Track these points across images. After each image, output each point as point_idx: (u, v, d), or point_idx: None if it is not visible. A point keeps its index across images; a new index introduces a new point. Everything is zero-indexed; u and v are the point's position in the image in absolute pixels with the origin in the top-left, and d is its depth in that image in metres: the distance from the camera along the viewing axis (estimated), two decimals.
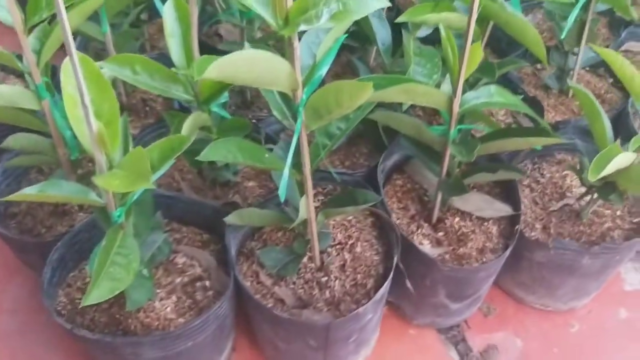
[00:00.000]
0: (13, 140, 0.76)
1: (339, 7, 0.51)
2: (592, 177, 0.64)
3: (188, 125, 0.72)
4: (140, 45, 1.10)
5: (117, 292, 0.58)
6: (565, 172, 0.91)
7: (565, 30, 0.88)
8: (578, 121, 0.94)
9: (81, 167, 0.88)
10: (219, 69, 0.49)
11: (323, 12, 0.51)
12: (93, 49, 1.09)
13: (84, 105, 0.51)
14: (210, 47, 1.07)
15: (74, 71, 0.49)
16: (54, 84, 0.74)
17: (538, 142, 0.71)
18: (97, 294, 0.57)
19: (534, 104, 0.97)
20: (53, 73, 0.78)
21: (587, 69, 1.11)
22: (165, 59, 0.76)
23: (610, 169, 0.66)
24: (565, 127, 0.94)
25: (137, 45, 1.04)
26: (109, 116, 0.58)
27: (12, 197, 0.58)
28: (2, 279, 0.97)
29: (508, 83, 1.01)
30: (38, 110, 0.74)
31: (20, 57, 0.70)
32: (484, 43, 0.86)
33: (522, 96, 0.95)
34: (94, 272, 0.58)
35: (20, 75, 1.11)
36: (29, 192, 0.58)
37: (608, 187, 0.77)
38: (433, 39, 0.85)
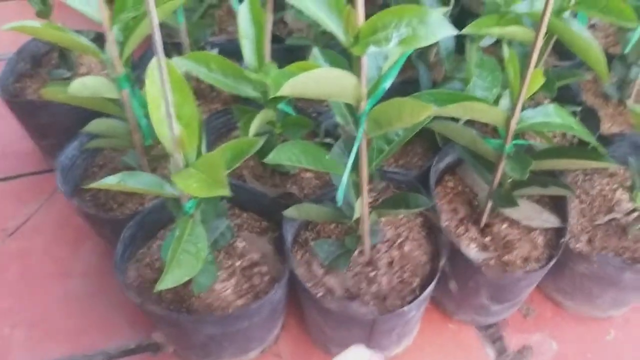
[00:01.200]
0: (94, 126, 0.83)
1: (408, 33, 0.54)
2: (639, 202, 0.67)
3: (256, 124, 0.77)
4: (212, 34, 1.15)
5: (187, 278, 0.64)
6: (616, 185, 0.93)
7: (629, 45, 0.88)
8: (634, 135, 0.95)
9: (152, 149, 0.95)
10: (292, 87, 0.53)
11: (393, 36, 0.54)
12: (165, 33, 1.14)
13: (168, 114, 0.56)
14: (276, 36, 1.11)
15: (161, 80, 0.53)
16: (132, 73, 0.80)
17: (589, 165, 0.73)
18: (170, 279, 0.63)
19: (591, 115, 0.98)
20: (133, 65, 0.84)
21: None
22: (233, 45, 0.79)
23: None
24: (621, 140, 0.95)
25: (209, 33, 1.09)
26: (189, 118, 0.63)
27: (94, 185, 0.64)
28: (74, 244, 1.05)
29: (567, 90, 1.02)
30: (116, 98, 0.80)
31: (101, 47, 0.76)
32: (547, 54, 0.87)
33: (580, 108, 0.97)
34: (168, 259, 0.64)
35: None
36: (109, 182, 0.63)
37: None
38: (495, 49, 0.87)
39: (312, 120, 0.96)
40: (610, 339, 0.95)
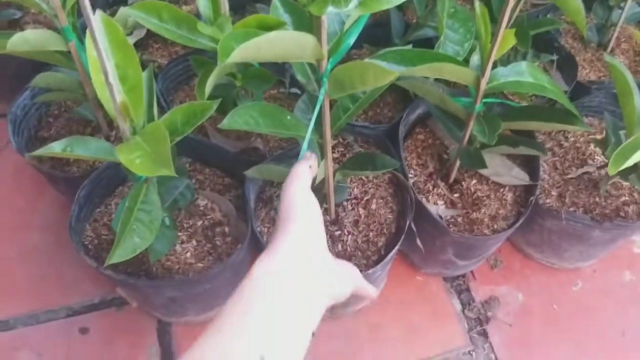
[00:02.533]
0: (41, 79, 0.77)
1: None
2: (611, 171, 0.64)
3: (212, 81, 0.72)
4: None
5: (139, 251, 0.62)
6: (591, 136, 0.90)
7: None
8: (611, 84, 0.91)
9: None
10: (242, 53, 0.48)
11: None
12: None
13: (108, 83, 0.51)
14: None
15: (92, 38, 0.48)
16: (80, 25, 0.74)
17: (563, 128, 0.70)
18: (120, 253, 0.61)
19: (568, 61, 0.94)
20: (79, 14, 0.77)
21: (632, 24, 1.05)
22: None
23: (632, 161, 0.65)
24: (599, 89, 0.91)
25: None
26: (134, 81, 0.58)
27: (37, 153, 0.60)
28: (31, 197, 1.02)
29: (544, 33, 0.97)
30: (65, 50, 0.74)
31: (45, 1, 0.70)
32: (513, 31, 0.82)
33: (556, 57, 0.93)
34: (118, 231, 0.61)
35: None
36: (54, 150, 0.60)
37: (630, 169, 0.76)
38: None
39: (278, 69, 0.92)
40: (577, 289, 0.95)
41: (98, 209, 0.82)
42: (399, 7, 0.96)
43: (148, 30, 1.02)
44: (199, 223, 0.80)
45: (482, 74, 0.65)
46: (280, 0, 0.76)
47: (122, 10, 0.83)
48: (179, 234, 0.78)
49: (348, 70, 0.56)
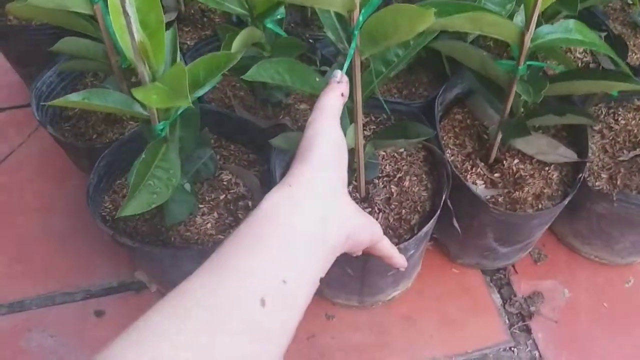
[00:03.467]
0: (63, 44, 0.75)
1: None
2: None
3: (239, 41, 0.69)
4: None
5: (154, 206, 0.58)
6: None
7: None
8: None
9: (135, 75, 0.88)
10: None
11: None
12: None
13: (125, 12, 0.49)
14: None
15: None
16: None
17: (614, 87, 0.64)
18: (134, 206, 0.57)
19: (618, 43, 0.88)
20: None
21: None
22: None
23: None
24: None
25: None
26: (155, 27, 0.55)
27: (55, 102, 0.57)
28: (57, 181, 1.00)
29: (592, 18, 0.92)
30: (90, 15, 0.72)
31: None
32: None
33: (605, 34, 0.88)
34: (132, 184, 0.58)
35: None
36: (73, 99, 0.57)
37: None
38: None
39: (308, 44, 0.88)
40: (629, 286, 0.87)
41: (118, 181, 0.79)
42: None
43: (179, 14, 1.02)
44: (222, 197, 0.76)
45: (527, 28, 0.60)
46: None
47: None
48: (200, 206, 0.74)
49: (380, 18, 0.53)
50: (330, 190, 0.45)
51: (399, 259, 0.56)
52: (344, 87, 0.52)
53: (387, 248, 0.54)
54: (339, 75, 0.53)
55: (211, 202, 0.75)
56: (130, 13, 0.49)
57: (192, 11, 1.01)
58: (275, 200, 0.41)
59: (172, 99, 0.50)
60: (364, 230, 0.48)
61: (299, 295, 0.39)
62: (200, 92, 0.60)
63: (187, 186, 0.69)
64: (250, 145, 0.82)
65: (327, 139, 0.47)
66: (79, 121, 0.87)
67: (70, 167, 0.97)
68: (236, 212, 0.75)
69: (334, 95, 0.51)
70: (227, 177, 0.78)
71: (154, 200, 0.59)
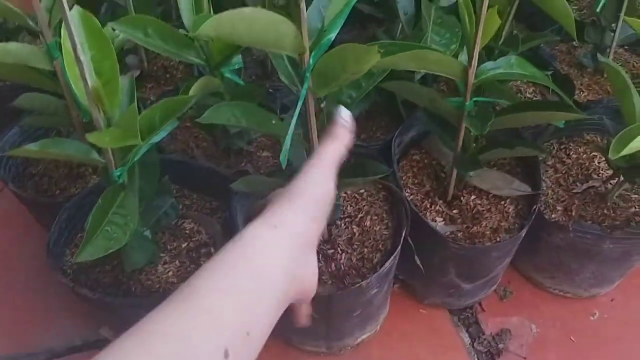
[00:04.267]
0: (25, 100, 0.76)
1: None
2: (612, 155, 0.61)
3: (197, 88, 0.70)
4: (164, 11, 1.09)
5: (111, 251, 0.58)
6: (593, 154, 0.87)
7: (600, 3, 0.83)
8: (610, 101, 0.89)
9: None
10: (215, 26, 0.47)
11: None
12: (119, 15, 1.08)
13: (77, 59, 0.50)
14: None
15: (65, 23, 0.48)
16: None
17: (557, 117, 0.67)
18: (90, 251, 0.57)
19: (565, 81, 0.91)
20: None
21: (626, 47, 1.05)
22: None
23: (632, 147, 0.61)
24: (596, 106, 0.89)
25: (159, 11, 1.03)
26: (110, 75, 0.57)
27: (14, 152, 0.58)
28: (20, 239, 0.99)
29: (540, 60, 0.97)
30: (51, 71, 0.74)
31: (33, 17, 0.70)
32: (512, 13, 0.82)
33: (551, 72, 0.91)
34: (89, 229, 0.58)
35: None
36: (31, 148, 0.58)
37: (635, 170, 0.73)
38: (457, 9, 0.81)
39: (268, 94, 0.91)
40: (595, 319, 0.88)
41: (80, 234, 0.78)
42: (390, 33, 0.96)
43: (141, 71, 1.04)
44: (184, 245, 0.76)
45: (469, 64, 0.63)
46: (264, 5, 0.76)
47: (108, 25, 0.83)
48: (162, 254, 0.74)
49: (328, 59, 0.55)
50: (309, 244, 0.45)
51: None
52: (349, 137, 0.52)
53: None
54: (346, 115, 0.53)
55: (173, 251, 0.75)
56: (83, 60, 0.51)
57: (155, 68, 1.03)
58: (257, 236, 0.41)
59: (124, 138, 0.51)
60: (313, 290, 0.47)
61: (258, 344, 0.39)
62: (157, 137, 0.61)
63: (148, 233, 0.69)
64: (212, 193, 0.83)
65: (322, 191, 0.47)
66: (42, 178, 0.88)
67: (33, 224, 0.96)
68: (198, 259, 0.75)
69: (339, 147, 0.51)
70: (189, 225, 0.79)
71: (111, 245, 0.59)
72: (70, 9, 0.54)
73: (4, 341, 0.86)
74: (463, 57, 0.69)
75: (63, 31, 0.57)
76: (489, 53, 0.80)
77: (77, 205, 0.77)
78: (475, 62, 0.63)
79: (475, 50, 0.62)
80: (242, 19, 0.48)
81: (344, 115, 0.52)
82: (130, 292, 0.70)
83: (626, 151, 0.61)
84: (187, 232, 0.78)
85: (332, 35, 0.57)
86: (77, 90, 0.57)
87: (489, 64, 0.66)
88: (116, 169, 0.61)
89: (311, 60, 0.56)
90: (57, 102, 0.79)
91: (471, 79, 0.64)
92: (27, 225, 0.98)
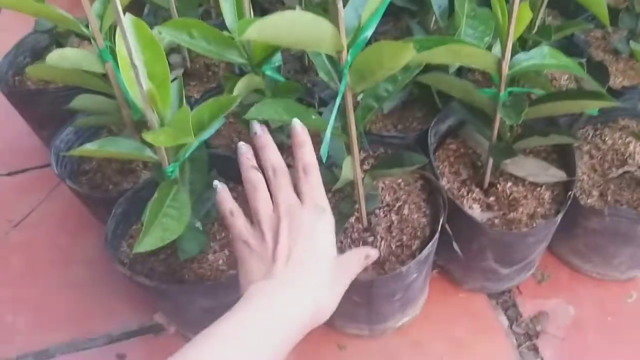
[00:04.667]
0: (78, 102, 0.81)
1: None
2: None
3: (240, 86, 0.74)
4: (205, 11, 1.13)
5: (167, 241, 0.62)
6: (628, 139, 0.88)
7: None
8: None
9: (148, 128, 0.94)
10: (259, 30, 0.50)
11: None
12: (162, 16, 1.13)
13: (133, 65, 0.54)
14: (269, 11, 1.09)
15: (121, 31, 0.52)
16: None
17: (590, 105, 0.69)
18: (148, 241, 0.62)
19: (599, 68, 0.93)
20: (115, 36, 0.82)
21: None
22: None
23: None
24: (632, 92, 0.90)
25: (200, 12, 1.08)
26: (162, 78, 0.61)
27: (73, 152, 0.63)
28: (76, 233, 1.05)
29: (573, 47, 0.97)
30: (102, 72, 0.78)
31: (85, 23, 0.75)
32: (545, 3, 0.83)
33: (584, 59, 0.93)
34: (146, 221, 0.63)
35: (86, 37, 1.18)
36: (89, 148, 0.62)
37: None
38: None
39: (306, 89, 0.94)
40: (632, 301, 0.89)
41: (134, 226, 0.83)
42: (424, 24, 0.98)
43: (185, 69, 1.08)
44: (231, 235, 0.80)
45: (503, 56, 0.65)
46: (303, 5, 0.79)
47: (155, 29, 0.88)
48: (212, 244, 0.79)
49: (365, 56, 0.58)
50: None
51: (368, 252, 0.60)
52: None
53: (361, 258, 0.59)
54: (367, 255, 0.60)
55: (222, 240, 0.79)
56: (138, 65, 0.55)
57: (198, 66, 1.07)
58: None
59: (178, 137, 0.55)
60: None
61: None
62: (206, 134, 0.65)
63: (199, 224, 0.74)
64: None
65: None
66: (95, 174, 0.93)
67: (88, 219, 1.01)
68: None
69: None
70: None
71: (167, 236, 0.63)
72: None
73: (64, 329, 0.91)
74: (497, 49, 0.71)
75: (118, 38, 0.61)
76: (522, 43, 0.82)
77: (130, 200, 0.82)
78: (508, 54, 0.65)
79: (509, 43, 0.64)
80: (284, 22, 0.52)
81: (297, 125, 0.60)
82: (183, 279, 0.75)
83: None
84: None
85: (369, 33, 0.60)
86: (132, 93, 0.61)
87: (522, 56, 0.68)
88: (169, 165, 0.66)
89: (349, 58, 0.59)
90: (108, 103, 0.84)
91: (505, 70, 0.66)
92: (82, 220, 1.04)
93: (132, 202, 0.82)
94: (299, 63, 1.06)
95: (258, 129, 0.61)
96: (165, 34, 0.75)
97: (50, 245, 1.04)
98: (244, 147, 0.60)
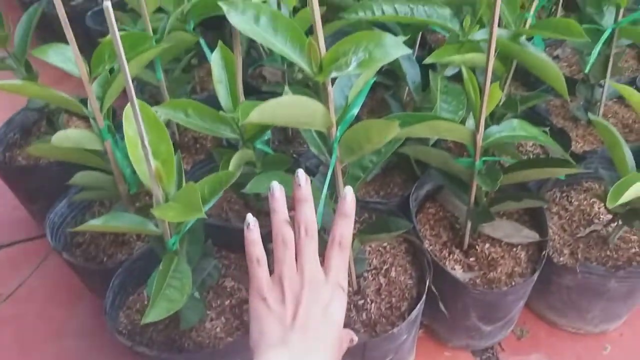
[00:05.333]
0: (80, 178, 0.85)
1: (365, 56, 0.57)
2: (610, 204, 0.68)
3: (235, 162, 0.79)
4: (191, 87, 1.19)
5: (172, 312, 0.65)
6: (593, 200, 0.95)
7: (588, 65, 0.92)
8: (605, 151, 0.98)
9: (139, 201, 0.97)
10: (260, 113, 0.55)
11: (352, 60, 0.57)
12: (148, 92, 1.18)
13: (144, 146, 0.59)
14: (255, 88, 1.15)
15: (134, 117, 0.56)
16: (114, 125, 0.83)
17: (559, 172, 0.75)
18: (155, 313, 0.64)
19: (561, 135, 1.01)
20: (113, 115, 0.87)
21: (615, 99, 1.14)
22: (213, 100, 0.83)
23: (628, 196, 0.69)
24: (592, 156, 0.98)
25: (188, 88, 1.14)
26: (166, 155, 0.65)
27: (79, 228, 0.66)
28: (69, 304, 1.06)
29: (536, 115, 1.06)
30: (100, 150, 0.83)
31: (84, 102, 0.79)
32: (510, 78, 0.91)
33: (547, 128, 1.01)
34: (152, 294, 0.66)
35: (82, 116, 1.23)
36: (95, 224, 0.65)
37: (632, 214, 0.80)
38: (461, 76, 0.91)
39: (293, 164, 0.99)
40: (607, 353, 0.94)
41: (131, 297, 0.86)
42: (401, 104, 1.05)
43: (174, 142, 1.13)
44: (227, 302, 0.83)
45: (477, 130, 0.72)
46: (292, 85, 0.85)
47: (153, 109, 0.93)
48: (208, 312, 0.81)
49: (354, 132, 0.63)
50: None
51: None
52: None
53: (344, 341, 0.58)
54: (351, 194, 0.58)
55: (217, 308, 0.82)
56: (148, 146, 0.59)
57: (186, 139, 1.12)
58: None
59: (188, 212, 0.59)
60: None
61: None
62: (206, 207, 0.69)
63: (196, 294, 0.77)
64: None
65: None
66: (89, 246, 0.95)
67: (80, 291, 1.03)
68: (241, 315, 0.82)
69: (351, 222, 0.57)
70: (229, 283, 0.86)
71: (172, 307, 0.66)
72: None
73: None
74: (470, 122, 0.78)
75: (125, 119, 0.66)
76: (490, 115, 0.89)
77: (127, 271, 0.84)
78: (482, 128, 0.72)
79: (481, 118, 0.71)
80: (281, 106, 0.57)
81: (349, 195, 0.58)
82: (183, 348, 0.77)
83: (623, 200, 0.69)
84: (229, 290, 0.85)
85: (355, 111, 0.66)
86: (138, 170, 0.65)
87: (494, 128, 0.74)
88: (170, 237, 0.70)
89: (338, 133, 0.64)
90: (105, 178, 0.88)
91: (479, 142, 0.73)
92: (74, 291, 1.06)
93: (128, 273, 0.85)
94: (283, 134, 1.12)
95: (303, 180, 0.57)
96: (161, 113, 0.80)
97: (41, 318, 1.05)
98: (277, 192, 0.59)
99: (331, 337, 0.52)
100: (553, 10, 1.20)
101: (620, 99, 1.14)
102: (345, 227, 0.56)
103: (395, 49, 0.56)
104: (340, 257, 0.55)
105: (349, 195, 0.57)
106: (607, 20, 0.94)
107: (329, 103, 0.61)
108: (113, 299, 0.82)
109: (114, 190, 0.89)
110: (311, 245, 0.55)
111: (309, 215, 0.56)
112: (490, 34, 0.64)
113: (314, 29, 0.55)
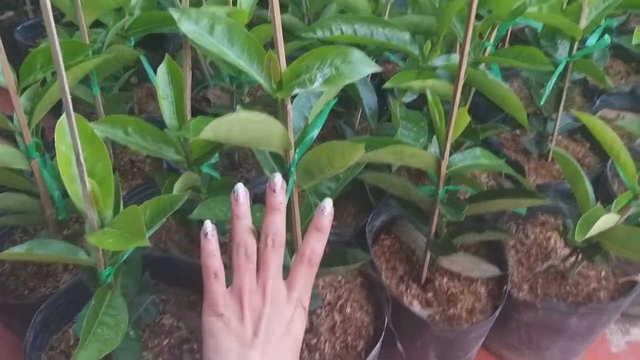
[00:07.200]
0: (0, 200, 0.76)
1: (332, 72, 0.52)
2: (578, 238, 0.66)
3: (179, 185, 0.72)
4: (129, 108, 1.11)
5: (105, 354, 0.57)
6: (549, 234, 0.93)
7: (544, 97, 0.91)
8: (559, 184, 0.97)
9: (67, 228, 0.88)
10: (214, 130, 0.49)
11: (317, 77, 0.52)
12: (81, 111, 1.09)
13: (79, 163, 0.51)
14: (199, 110, 1.09)
15: (70, 130, 0.49)
16: (43, 145, 0.75)
17: (525, 204, 0.73)
18: (85, 355, 0.56)
19: (516, 167, 0.99)
20: (42, 135, 0.79)
21: (565, 134, 1.15)
22: (154, 122, 0.76)
23: (595, 229, 0.67)
24: (546, 190, 0.96)
25: (127, 108, 1.06)
26: (102, 175, 0.58)
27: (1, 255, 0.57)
28: None
29: (489, 147, 1.04)
30: (26, 170, 0.74)
31: (11, 117, 0.71)
32: (467, 107, 0.89)
33: (503, 159, 0.99)
34: (82, 333, 0.57)
35: (6, 135, 1.12)
36: (17, 251, 0.57)
37: (592, 249, 0.78)
38: (416, 105, 0.88)
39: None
40: None
41: (55, 336, 0.76)
42: (354, 130, 1.01)
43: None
44: (165, 342, 0.75)
45: (442, 157, 0.68)
46: (243, 107, 0.79)
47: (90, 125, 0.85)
48: (144, 353, 0.73)
49: (315, 154, 0.58)
50: None
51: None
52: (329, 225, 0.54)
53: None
54: (330, 207, 0.53)
55: (155, 349, 0.74)
56: (83, 163, 0.52)
57: (122, 162, 1.04)
58: None
59: (129, 240, 0.51)
60: None
61: None
62: (148, 235, 0.62)
63: (132, 333, 0.69)
64: (189, 286, 0.83)
65: None
66: (8, 278, 0.85)
67: None
68: (181, 356, 0.74)
69: (324, 238, 0.53)
70: (168, 321, 0.78)
71: (105, 348, 0.58)
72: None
73: None
74: (432, 149, 0.74)
75: (57, 134, 0.58)
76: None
77: (52, 307, 0.75)
78: (447, 155, 0.68)
79: (447, 145, 0.67)
80: (238, 123, 0.51)
81: (328, 207, 0.53)
82: None
83: (591, 233, 0.66)
84: (167, 328, 0.77)
85: (315, 133, 0.61)
86: (70, 192, 0.58)
87: (457, 156, 0.71)
88: (104, 268, 0.61)
89: (296, 156, 0.59)
90: (31, 201, 0.79)
91: (443, 170, 0.69)
92: None
93: (53, 309, 0.75)
94: (228, 159, 1.05)
95: (278, 186, 0.52)
96: (98, 130, 0.72)
97: None
98: (242, 196, 0.53)
99: (292, 355, 0.49)
100: (499, 46, 1.20)
101: (571, 133, 1.14)
102: (317, 242, 0.52)
103: (363, 65, 0.52)
104: (307, 275, 0.52)
105: (327, 207, 0.52)
106: (561, 53, 0.94)
107: (288, 122, 0.55)
108: (34, 338, 0.72)
109: (39, 216, 0.79)
110: (276, 259, 0.51)
111: (278, 225, 0.52)
112: (461, 58, 0.61)
113: (274, 40, 0.50)
